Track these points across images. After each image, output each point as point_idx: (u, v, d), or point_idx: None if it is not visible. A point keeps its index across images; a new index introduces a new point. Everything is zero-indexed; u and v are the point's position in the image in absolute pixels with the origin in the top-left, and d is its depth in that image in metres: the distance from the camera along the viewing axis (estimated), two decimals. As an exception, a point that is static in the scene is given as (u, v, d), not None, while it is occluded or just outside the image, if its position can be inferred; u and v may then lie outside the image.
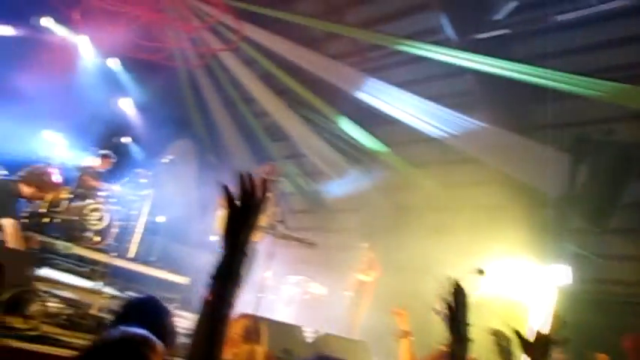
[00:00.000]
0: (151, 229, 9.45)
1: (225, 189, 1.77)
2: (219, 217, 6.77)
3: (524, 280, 7.46)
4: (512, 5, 7.57)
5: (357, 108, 10.12)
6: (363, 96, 9.66)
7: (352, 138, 10.62)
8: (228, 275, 1.72)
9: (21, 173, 5.75)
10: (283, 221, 6.65)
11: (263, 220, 6.43)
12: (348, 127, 10.58)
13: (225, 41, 11.34)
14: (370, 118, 10.13)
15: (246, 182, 1.78)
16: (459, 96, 8.99)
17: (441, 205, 9.25)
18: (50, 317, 4.16)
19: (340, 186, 11.33)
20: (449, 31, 8.23)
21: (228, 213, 1.77)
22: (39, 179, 5.71)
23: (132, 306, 2.74)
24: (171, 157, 9.32)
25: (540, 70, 7.16)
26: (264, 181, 1.80)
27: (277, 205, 6.81)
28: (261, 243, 6.84)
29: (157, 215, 9.72)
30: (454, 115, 8.58)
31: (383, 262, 9.17)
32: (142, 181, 8.95)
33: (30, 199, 5.99)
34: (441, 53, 8.27)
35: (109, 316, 4.51)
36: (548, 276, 7.14)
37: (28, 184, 5.67)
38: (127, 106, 12.95)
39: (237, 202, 1.78)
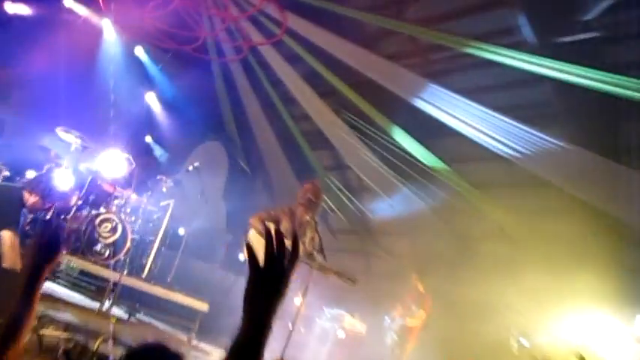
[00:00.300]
0: (169, 244, 9.34)
1: (249, 248, 1.66)
2: (250, 237, 6.56)
3: (604, 333, 7.05)
4: (606, 4, 7.15)
5: (413, 117, 9.88)
6: (421, 104, 9.42)
7: (406, 151, 10.35)
8: (247, 355, 1.56)
9: (25, 180, 5.65)
10: (322, 251, 6.41)
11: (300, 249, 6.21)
12: (402, 138, 10.33)
13: (267, 34, 11.22)
14: (429, 130, 9.89)
15: (273, 243, 1.66)
16: (534, 108, 8.72)
17: (507, 236, 8.93)
18: (45, 351, 3.98)
19: (389, 206, 11.14)
20: (527, 32, 7.92)
21: (250, 278, 1.64)
22: (45, 187, 5.62)
23: (135, 356, 2.52)
24: (196, 164, 9.15)
25: (636, 82, 6.76)
26: (295, 240, 1.70)
27: (316, 232, 6.55)
28: (295, 273, 6.63)
29: (177, 228, 9.63)
30: (527, 130, 8.22)
31: (434, 298, 8.90)
32: (163, 189, 8.84)
33: (33, 209, 5.90)
34: (516, 58, 7.92)
35: (112, 353, 4.33)
36: (634, 330, 6.73)
37: (33, 192, 5.59)
38: (152, 101, 12.96)
39: (262, 267, 1.65)
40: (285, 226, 6.42)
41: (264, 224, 6.38)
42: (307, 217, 6.54)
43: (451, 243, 9.95)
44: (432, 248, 10.16)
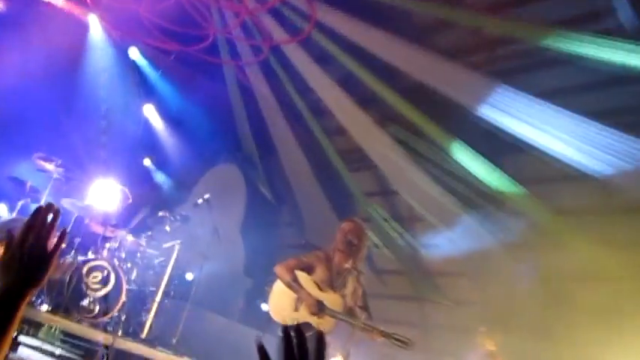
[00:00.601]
0: (175, 296, 9.31)
1: (261, 351, 1.62)
2: (274, 291, 6.33)
3: None
4: None
5: (478, 129, 9.53)
6: (487, 111, 9.14)
7: (469, 172, 10.02)
8: None
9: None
10: (366, 307, 6.14)
11: (337, 302, 5.96)
12: (463, 155, 10.01)
13: (292, 30, 11.12)
14: (498, 145, 9.53)
15: (293, 345, 1.61)
16: (634, 114, 8.34)
17: (605, 278, 8.47)
18: None
19: (449, 240, 10.72)
20: (625, 14, 7.59)
21: None
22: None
23: None
24: (207, 196, 9.08)
25: None
26: (321, 340, 1.64)
27: (359, 283, 6.31)
28: (332, 333, 6.37)
29: (184, 275, 9.69)
30: (629, 140, 7.83)
31: (510, 358, 8.46)
32: (167, 227, 8.79)
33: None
34: (610, 48, 7.57)
35: None
36: None
37: (2, 241, 5.35)
38: (152, 116, 12.91)
39: None
40: (320, 276, 6.36)
41: (293, 279, 6.26)
42: (347, 265, 6.42)
43: (531, 286, 9.46)
44: (505, 294, 9.70)
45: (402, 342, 6.02)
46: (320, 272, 6.37)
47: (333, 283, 6.36)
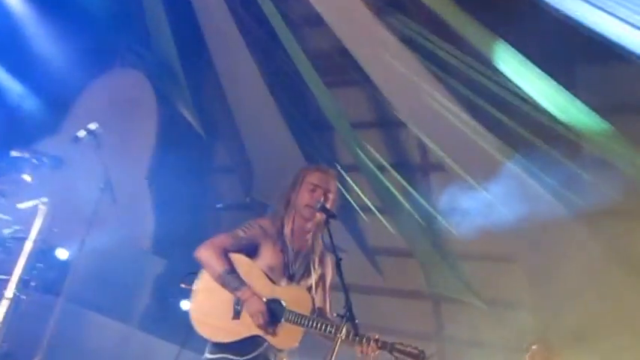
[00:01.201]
0: (38, 287, 9.17)
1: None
2: (198, 289, 6.15)
3: None
4: None
5: (537, 23, 9.51)
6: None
7: (521, 93, 9.96)
8: None
9: None
10: (351, 313, 6.01)
11: (300, 298, 5.76)
12: (513, 66, 9.98)
13: None
14: (569, 50, 9.62)
15: None
16: None
17: None
18: None
19: (485, 204, 10.75)
20: None
21: None
22: None
23: None
24: (93, 125, 8.83)
25: None
26: None
27: (338, 270, 6.09)
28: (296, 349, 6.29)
29: (54, 253, 9.67)
30: None
31: None
32: (25, 177, 8.58)
33: None
34: None
35: None
36: None
37: None
38: None
39: None
40: (269, 260, 5.89)
41: (228, 269, 5.77)
42: (311, 242, 6.13)
43: (622, 282, 9.54)
44: (576, 292, 9.77)
45: (411, 356, 5.95)
46: (269, 254, 5.87)
47: (289, 269, 5.97)
